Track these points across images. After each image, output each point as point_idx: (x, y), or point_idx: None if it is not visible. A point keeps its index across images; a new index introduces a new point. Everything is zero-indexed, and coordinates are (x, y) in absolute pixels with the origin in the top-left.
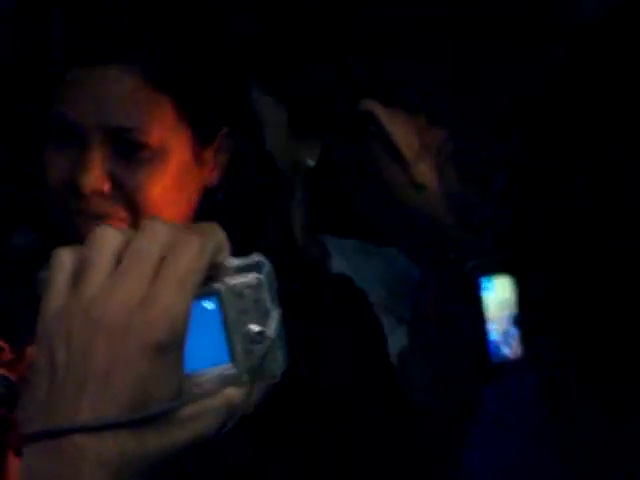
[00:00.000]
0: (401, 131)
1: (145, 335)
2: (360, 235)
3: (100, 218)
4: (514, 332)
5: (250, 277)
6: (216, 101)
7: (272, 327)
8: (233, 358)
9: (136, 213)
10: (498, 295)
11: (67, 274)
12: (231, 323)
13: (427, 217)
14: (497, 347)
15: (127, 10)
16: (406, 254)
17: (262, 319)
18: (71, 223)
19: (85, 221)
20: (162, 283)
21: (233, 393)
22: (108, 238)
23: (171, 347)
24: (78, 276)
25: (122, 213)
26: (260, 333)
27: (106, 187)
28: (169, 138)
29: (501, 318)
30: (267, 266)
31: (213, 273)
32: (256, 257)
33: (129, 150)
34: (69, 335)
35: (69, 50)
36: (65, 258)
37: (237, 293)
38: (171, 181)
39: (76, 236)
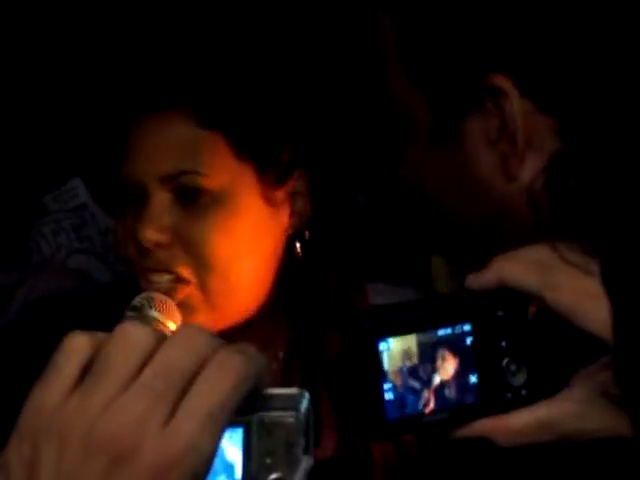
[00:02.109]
0: (521, 115)
1: (159, 475)
2: None
3: (163, 273)
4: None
5: (286, 415)
6: (277, 136)
7: (298, 478)
8: None
9: (203, 268)
10: (395, 353)
11: (78, 366)
12: (252, 463)
13: (505, 213)
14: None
15: (168, 54)
16: None
17: (288, 466)
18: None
19: (148, 277)
20: (190, 412)
21: None
22: (135, 339)
23: None
24: (91, 374)
25: (186, 269)
26: None
27: (165, 239)
28: (231, 181)
29: (399, 375)
30: (306, 402)
31: (246, 401)
32: (296, 390)
33: (189, 197)
34: (63, 448)
35: (121, 104)
36: (81, 346)
37: (267, 430)
38: (240, 229)
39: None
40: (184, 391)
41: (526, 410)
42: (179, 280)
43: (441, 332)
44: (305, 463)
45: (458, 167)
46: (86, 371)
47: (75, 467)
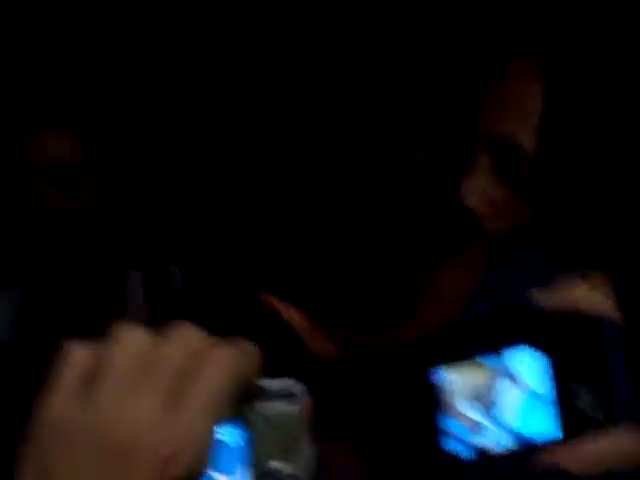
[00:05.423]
0: None
1: (166, 465)
2: None
3: None
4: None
5: (286, 406)
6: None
7: (301, 467)
8: None
9: None
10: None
11: (78, 374)
12: (254, 455)
13: None
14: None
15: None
16: None
17: (290, 455)
18: None
19: None
20: (187, 402)
21: None
22: (131, 339)
23: None
24: (91, 379)
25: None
26: (288, 474)
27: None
28: None
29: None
30: (305, 395)
31: (243, 394)
32: (293, 382)
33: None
34: (71, 455)
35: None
36: (79, 354)
37: (268, 422)
38: None
39: None
40: (182, 386)
41: (604, 436)
42: None
43: (500, 360)
44: (307, 452)
45: None
46: (88, 379)
47: (86, 473)
